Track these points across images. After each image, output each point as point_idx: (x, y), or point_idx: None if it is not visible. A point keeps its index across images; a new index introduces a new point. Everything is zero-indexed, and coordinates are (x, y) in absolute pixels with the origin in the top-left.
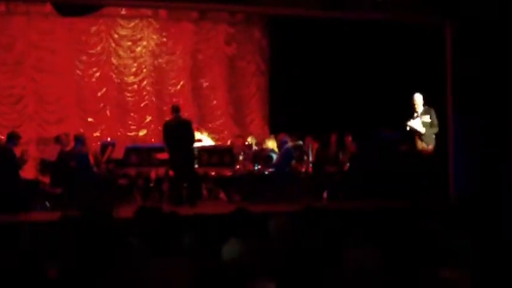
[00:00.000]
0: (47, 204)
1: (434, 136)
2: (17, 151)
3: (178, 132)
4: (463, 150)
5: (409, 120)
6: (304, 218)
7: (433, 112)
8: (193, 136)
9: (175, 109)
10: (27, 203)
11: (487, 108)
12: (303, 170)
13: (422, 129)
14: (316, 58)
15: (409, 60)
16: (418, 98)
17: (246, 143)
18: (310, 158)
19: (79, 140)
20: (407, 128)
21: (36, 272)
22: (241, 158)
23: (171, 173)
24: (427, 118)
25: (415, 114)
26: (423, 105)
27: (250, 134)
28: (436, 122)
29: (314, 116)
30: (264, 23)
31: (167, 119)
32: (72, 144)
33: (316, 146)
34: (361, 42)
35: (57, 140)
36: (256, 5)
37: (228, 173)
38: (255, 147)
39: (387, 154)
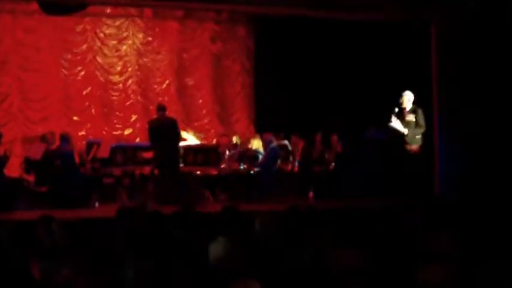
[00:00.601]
0: (32, 203)
1: (420, 136)
2: (0, 150)
3: (163, 130)
4: (448, 151)
5: (392, 120)
6: (289, 217)
7: (420, 112)
8: (178, 135)
9: (160, 108)
10: (11, 202)
11: (473, 108)
12: (289, 169)
13: (404, 130)
14: (302, 57)
15: (396, 59)
16: (408, 96)
17: (232, 142)
18: (296, 158)
19: (64, 138)
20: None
21: (19, 271)
22: (226, 157)
23: (156, 171)
24: (411, 117)
25: (396, 110)
26: (412, 103)
27: (236, 133)
28: (422, 122)
29: (300, 115)
30: (250, 21)
31: (150, 119)
32: (57, 143)
33: (302, 145)
34: (347, 41)
35: (43, 138)
36: (241, 3)
37: (214, 172)
38: (239, 147)
39: (372, 154)
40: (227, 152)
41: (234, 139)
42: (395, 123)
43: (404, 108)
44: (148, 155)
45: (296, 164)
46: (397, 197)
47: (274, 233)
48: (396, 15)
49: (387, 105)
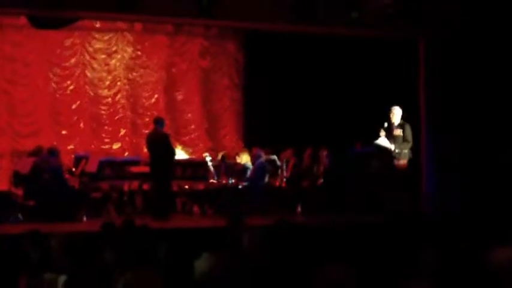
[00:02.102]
0: (20, 216)
1: (407, 151)
2: None
3: (154, 144)
4: (435, 167)
5: (380, 134)
6: (277, 232)
7: (407, 127)
8: (169, 149)
9: (155, 121)
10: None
11: (460, 125)
12: (277, 184)
13: (391, 146)
14: (290, 72)
15: (385, 75)
16: (396, 111)
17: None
18: (285, 173)
19: (53, 152)
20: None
21: (7, 286)
22: (212, 170)
23: (145, 186)
24: (399, 132)
25: (385, 125)
26: (400, 119)
27: (224, 148)
28: (409, 138)
29: (288, 130)
30: (239, 36)
31: (146, 131)
32: (45, 157)
33: (293, 160)
34: (336, 56)
35: (31, 152)
36: (229, 19)
37: (202, 186)
38: (226, 161)
39: (360, 169)
40: (211, 168)
41: (219, 155)
42: (382, 140)
43: (393, 123)
44: (137, 169)
45: (284, 179)
46: (383, 212)
47: (262, 248)
48: (384, 32)
49: (376, 120)
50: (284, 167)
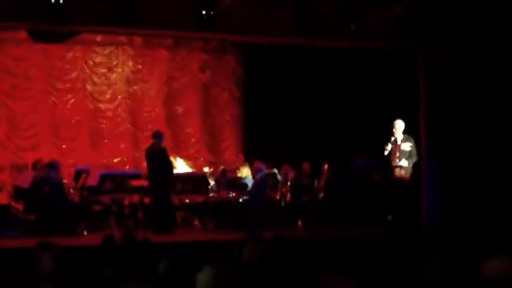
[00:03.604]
0: (19, 231)
1: (411, 164)
2: None
3: (153, 158)
4: (436, 179)
5: (387, 144)
6: (274, 246)
7: (412, 141)
8: (166, 163)
9: (153, 135)
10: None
11: (461, 136)
12: (278, 197)
13: (404, 163)
14: (291, 86)
15: (385, 87)
16: (399, 124)
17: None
18: (286, 187)
19: (53, 166)
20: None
21: None
22: (212, 184)
23: (145, 200)
24: (406, 146)
25: (392, 139)
26: (403, 133)
27: (224, 161)
28: (415, 151)
29: (289, 144)
30: (239, 50)
31: (147, 145)
32: (45, 170)
33: (293, 174)
34: (336, 70)
35: (31, 166)
36: (229, 32)
37: (202, 200)
38: (228, 175)
39: (361, 182)
40: (212, 182)
41: (219, 168)
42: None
43: (397, 138)
44: (138, 183)
45: (288, 193)
46: (385, 225)
47: (262, 261)
48: (383, 45)
49: (376, 132)
50: (286, 180)
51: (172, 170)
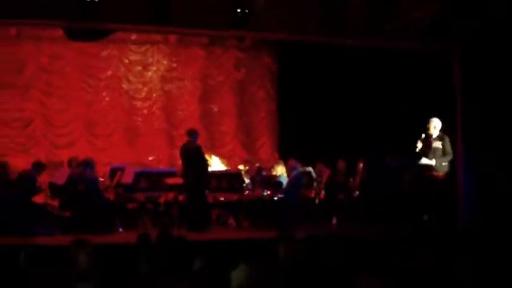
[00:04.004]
0: (55, 227)
1: (446, 164)
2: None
3: (187, 156)
4: (472, 179)
5: (417, 145)
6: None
7: (447, 139)
8: (201, 161)
9: (188, 133)
10: (34, 226)
11: (498, 137)
12: (312, 196)
13: (432, 162)
14: (325, 83)
15: (421, 87)
16: (436, 123)
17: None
18: (321, 185)
19: (88, 164)
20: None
21: None
22: (247, 182)
23: (180, 198)
24: (438, 144)
25: (423, 136)
26: (439, 131)
27: (259, 159)
28: (449, 149)
29: (324, 142)
30: (273, 48)
31: (181, 143)
32: (81, 168)
33: (327, 172)
34: (372, 67)
35: (67, 163)
36: (263, 30)
37: (236, 198)
38: (263, 173)
39: (392, 181)
40: (246, 180)
41: (254, 166)
42: (423, 160)
43: (431, 135)
44: (172, 180)
45: (323, 191)
46: (419, 225)
47: (296, 260)
48: (419, 45)
49: (411, 131)
50: (319, 179)
51: (207, 168)
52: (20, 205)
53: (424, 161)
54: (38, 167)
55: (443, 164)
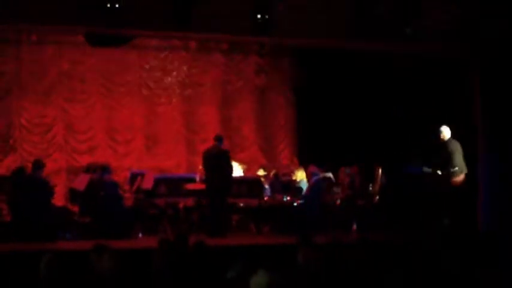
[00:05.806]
0: (75, 233)
1: (457, 169)
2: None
3: (214, 160)
4: (492, 185)
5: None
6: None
7: (459, 146)
8: (228, 166)
9: (215, 138)
10: (55, 232)
11: None
12: (332, 201)
13: (453, 168)
14: (346, 89)
15: (441, 92)
16: (445, 131)
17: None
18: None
19: (106, 169)
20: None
21: None
22: (267, 187)
23: (203, 202)
24: (453, 152)
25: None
26: (451, 138)
27: (279, 165)
28: (459, 154)
29: (344, 148)
30: (294, 54)
31: (201, 148)
32: (99, 174)
33: (347, 178)
34: (391, 73)
35: (87, 169)
36: (284, 36)
37: (256, 203)
38: (281, 178)
39: (412, 187)
40: (266, 186)
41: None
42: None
43: (443, 143)
44: (192, 186)
45: (340, 196)
46: (439, 231)
47: (316, 265)
48: (440, 49)
49: (429, 138)
50: (341, 184)
51: (232, 173)
52: (42, 209)
53: (438, 168)
54: (39, 165)
55: (455, 169)
